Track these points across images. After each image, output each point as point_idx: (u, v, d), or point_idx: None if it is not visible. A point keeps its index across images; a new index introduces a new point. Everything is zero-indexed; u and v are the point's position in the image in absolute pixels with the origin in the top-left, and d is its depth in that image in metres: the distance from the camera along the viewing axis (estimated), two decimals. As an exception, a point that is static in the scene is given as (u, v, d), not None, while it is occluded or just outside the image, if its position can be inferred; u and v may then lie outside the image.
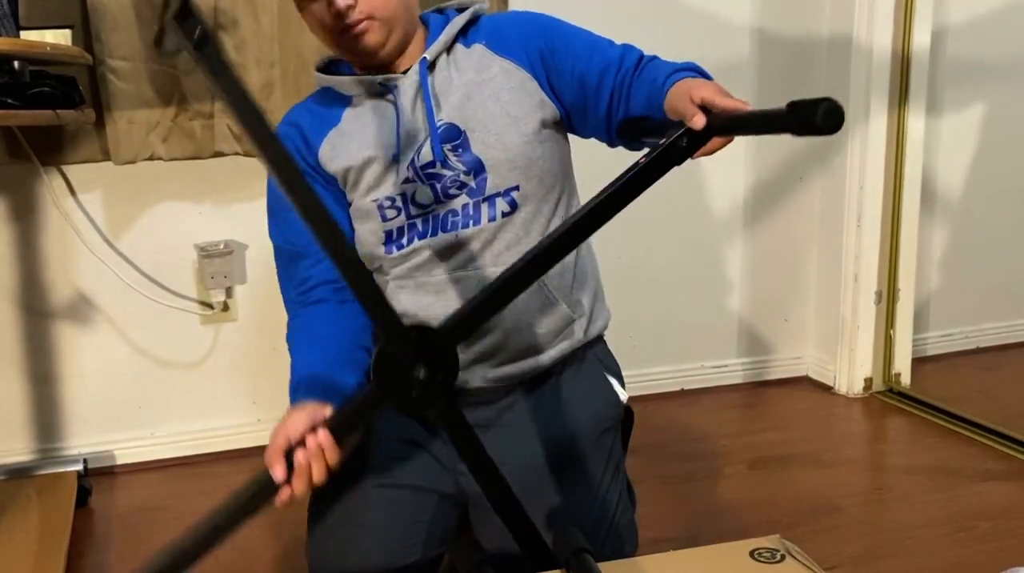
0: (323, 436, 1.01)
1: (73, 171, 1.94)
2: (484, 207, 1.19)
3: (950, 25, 2.54)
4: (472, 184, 1.19)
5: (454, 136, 1.19)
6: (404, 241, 1.21)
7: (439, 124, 1.19)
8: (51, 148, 1.88)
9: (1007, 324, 2.86)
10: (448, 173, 1.19)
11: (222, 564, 1.62)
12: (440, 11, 1.29)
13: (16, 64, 1.44)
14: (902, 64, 2.33)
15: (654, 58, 1.18)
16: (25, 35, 1.55)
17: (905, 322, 2.49)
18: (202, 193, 2.03)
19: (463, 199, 1.19)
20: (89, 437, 2.04)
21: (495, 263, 1.19)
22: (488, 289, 1.03)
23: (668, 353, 2.50)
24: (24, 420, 1.99)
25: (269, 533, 1.73)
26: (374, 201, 1.21)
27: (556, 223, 1.24)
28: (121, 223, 1.99)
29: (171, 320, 2.05)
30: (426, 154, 1.19)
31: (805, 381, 2.61)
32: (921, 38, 2.33)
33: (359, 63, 1.24)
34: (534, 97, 1.21)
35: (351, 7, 1.14)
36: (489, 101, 1.20)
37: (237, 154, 1.97)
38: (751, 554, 1.11)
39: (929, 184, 2.56)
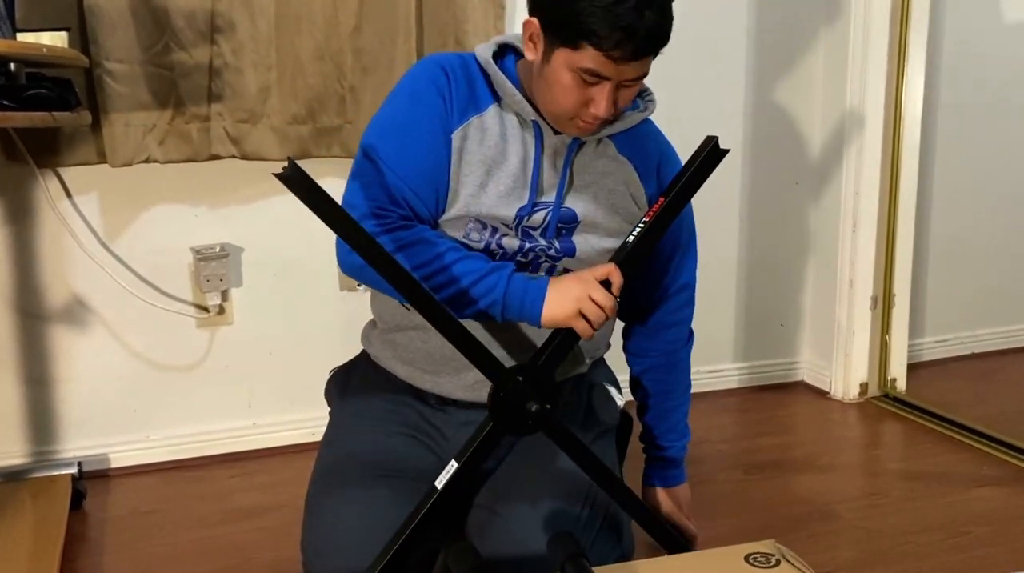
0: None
1: (69, 173, 1.93)
2: None
3: (947, 26, 2.55)
4: (557, 265, 1.27)
5: (569, 220, 1.26)
6: None
7: (564, 207, 1.25)
8: (47, 150, 1.87)
9: (1002, 330, 2.87)
10: (543, 242, 1.26)
11: (220, 566, 1.62)
12: None
13: (12, 66, 1.43)
14: (898, 66, 2.34)
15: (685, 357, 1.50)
16: (22, 37, 1.55)
17: (900, 327, 2.49)
18: (198, 196, 2.03)
19: (541, 270, 1.27)
20: (84, 440, 2.03)
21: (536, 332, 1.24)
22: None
23: (664, 357, 2.50)
24: (19, 423, 1.99)
25: (267, 535, 1.73)
26: (464, 217, 1.22)
27: None
28: (117, 226, 1.99)
29: (167, 323, 2.04)
30: (537, 219, 1.24)
31: (801, 386, 2.61)
32: (918, 36, 2.34)
33: (545, 113, 1.22)
34: (634, 214, 1.31)
35: (613, 113, 1.17)
36: (609, 209, 1.28)
37: (233, 157, 1.96)
38: (746, 559, 1.11)
39: (925, 190, 2.57)
